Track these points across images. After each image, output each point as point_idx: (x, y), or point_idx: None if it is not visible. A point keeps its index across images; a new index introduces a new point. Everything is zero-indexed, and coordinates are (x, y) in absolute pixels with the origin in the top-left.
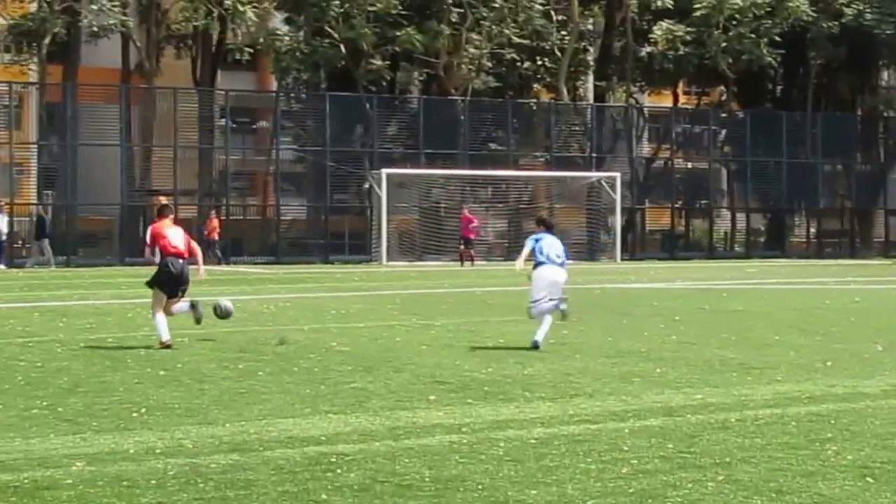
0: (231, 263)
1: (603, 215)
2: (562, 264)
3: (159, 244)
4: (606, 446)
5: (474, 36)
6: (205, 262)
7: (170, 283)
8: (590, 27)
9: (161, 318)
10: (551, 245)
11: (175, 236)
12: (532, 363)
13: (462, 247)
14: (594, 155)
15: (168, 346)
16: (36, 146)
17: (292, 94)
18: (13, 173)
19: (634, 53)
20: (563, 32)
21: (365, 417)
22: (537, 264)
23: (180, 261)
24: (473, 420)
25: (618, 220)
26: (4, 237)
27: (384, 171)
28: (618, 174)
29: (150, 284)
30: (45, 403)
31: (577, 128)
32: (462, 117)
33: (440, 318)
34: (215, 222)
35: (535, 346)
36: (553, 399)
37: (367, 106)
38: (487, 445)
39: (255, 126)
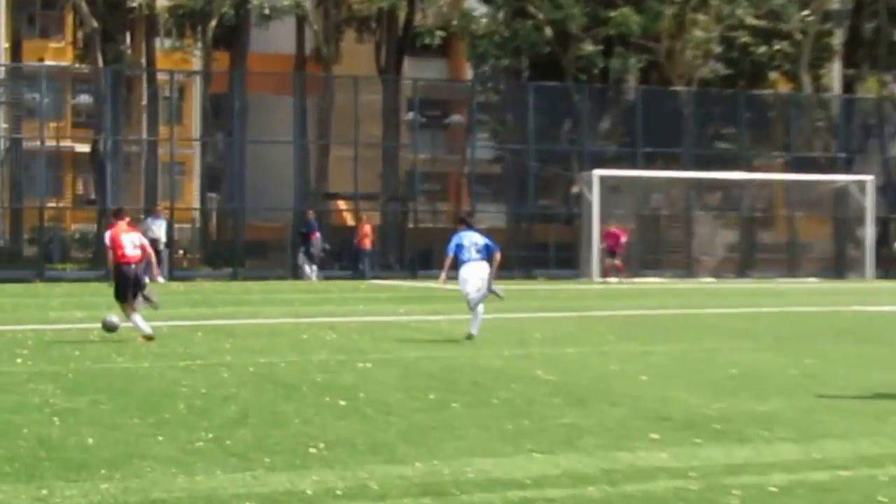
0: (418, 277)
1: (851, 226)
2: (483, 257)
3: (115, 252)
4: (859, 497)
5: (701, 17)
6: (352, 276)
7: (125, 289)
8: (836, 6)
9: (136, 317)
10: (470, 241)
11: (129, 243)
12: (770, 398)
13: (608, 259)
14: (841, 155)
15: (151, 339)
16: (199, 143)
17: (490, 84)
18: (174, 173)
19: (889, 37)
20: (805, 12)
21: (576, 458)
22: (460, 263)
23: (132, 267)
24: (703, 463)
25: (869, 232)
26: (163, 246)
27: (596, 173)
28: (869, 178)
29: (116, 297)
30: (210, 436)
31: (820, 123)
32: (686, 111)
33: (662, 343)
34: (367, 229)
35: (469, 338)
36: (796, 440)
37: (577, 98)
38: (719, 493)
39: (446, 121)
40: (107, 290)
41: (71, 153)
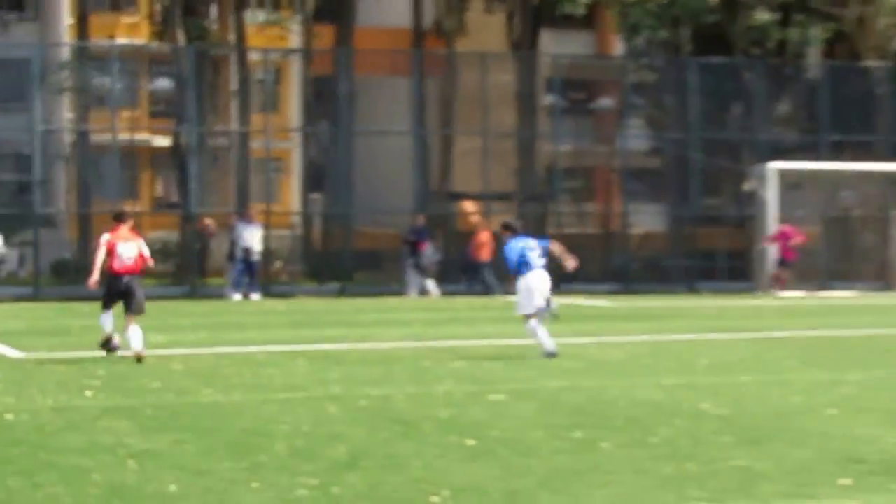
0: (560, 292)
1: None
2: (544, 265)
3: (109, 259)
4: None
5: None
6: (468, 290)
7: (116, 297)
8: None
9: (106, 317)
10: (530, 246)
11: (127, 252)
12: None
13: (778, 270)
14: None
15: (108, 343)
16: (299, 134)
17: (644, 61)
18: (269, 171)
19: None
20: None
21: None
22: (525, 271)
23: (125, 278)
24: None
25: None
26: (257, 257)
27: (772, 167)
28: None
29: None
30: (314, 482)
31: None
32: (880, 90)
33: (854, 370)
34: (485, 236)
35: (552, 356)
36: None
37: (748, 76)
38: None
39: (593, 105)
40: (192, 308)
41: (148, 148)
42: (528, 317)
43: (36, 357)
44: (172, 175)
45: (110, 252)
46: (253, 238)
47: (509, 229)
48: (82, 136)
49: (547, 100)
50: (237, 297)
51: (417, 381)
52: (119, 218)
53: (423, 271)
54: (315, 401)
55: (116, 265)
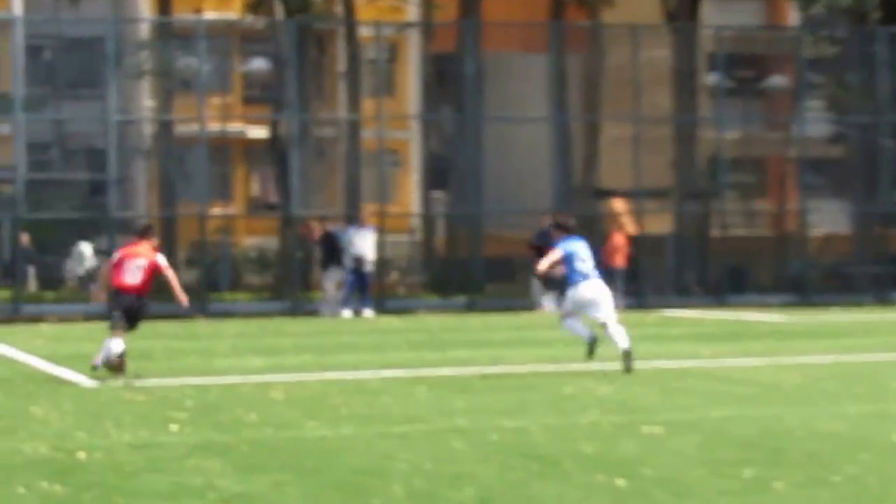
0: (727, 305)
1: None
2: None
3: (116, 274)
4: None
5: None
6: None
7: (115, 317)
8: None
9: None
10: (585, 252)
11: (131, 270)
12: None
13: None
14: None
15: (115, 368)
16: (418, 122)
17: (824, 32)
18: (384, 165)
19: None
20: None
21: None
22: (577, 279)
23: (128, 297)
24: None
25: None
26: (370, 266)
27: None
28: None
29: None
30: None
31: None
32: None
33: None
34: (619, 240)
35: (628, 363)
36: None
37: None
38: None
39: (763, 85)
40: (294, 327)
41: (241, 140)
42: (565, 315)
43: (112, 385)
44: (270, 171)
45: (115, 268)
46: (365, 244)
47: (562, 229)
48: (165, 126)
49: (709, 79)
50: (347, 313)
51: (558, 411)
52: (143, 233)
53: (546, 283)
54: (438, 434)
55: (116, 281)
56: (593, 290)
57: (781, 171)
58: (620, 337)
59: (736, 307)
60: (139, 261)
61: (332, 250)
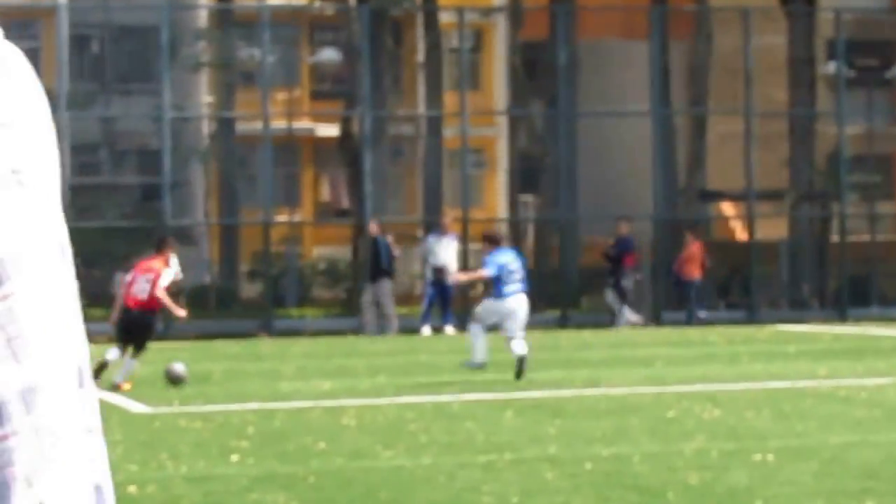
0: (847, 319)
1: None
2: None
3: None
4: None
5: None
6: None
7: (121, 331)
8: None
9: (114, 352)
10: (513, 267)
11: (140, 285)
12: None
13: None
14: None
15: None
16: (506, 118)
17: None
18: (467, 166)
19: None
20: None
21: None
22: (503, 293)
23: (131, 314)
24: None
25: None
26: (452, 279)
27: None
28: None
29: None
30: None
31: None
32: None
33: None
34: (695, 249)
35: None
36: None
37: None
38: None
39: (888, 75)
40: (368, 346)
41: (310, 138)
42: (477, 321)
43: (167, 412)
44: (342, 174)
45: (130, 283)
46: (447, 254)
47: (491, 241)
48: (225, 124)
49: (828, 68)
50: (426, 330)
51: (660, 437)
52: (159, 246)
53: (623, 295)
54: (527, 464)
55: (126, 296)
56: (517, 305)
57: None
58: (519, 346)
59: (858, 321)
60: (149, 275)
61: (377, 260)
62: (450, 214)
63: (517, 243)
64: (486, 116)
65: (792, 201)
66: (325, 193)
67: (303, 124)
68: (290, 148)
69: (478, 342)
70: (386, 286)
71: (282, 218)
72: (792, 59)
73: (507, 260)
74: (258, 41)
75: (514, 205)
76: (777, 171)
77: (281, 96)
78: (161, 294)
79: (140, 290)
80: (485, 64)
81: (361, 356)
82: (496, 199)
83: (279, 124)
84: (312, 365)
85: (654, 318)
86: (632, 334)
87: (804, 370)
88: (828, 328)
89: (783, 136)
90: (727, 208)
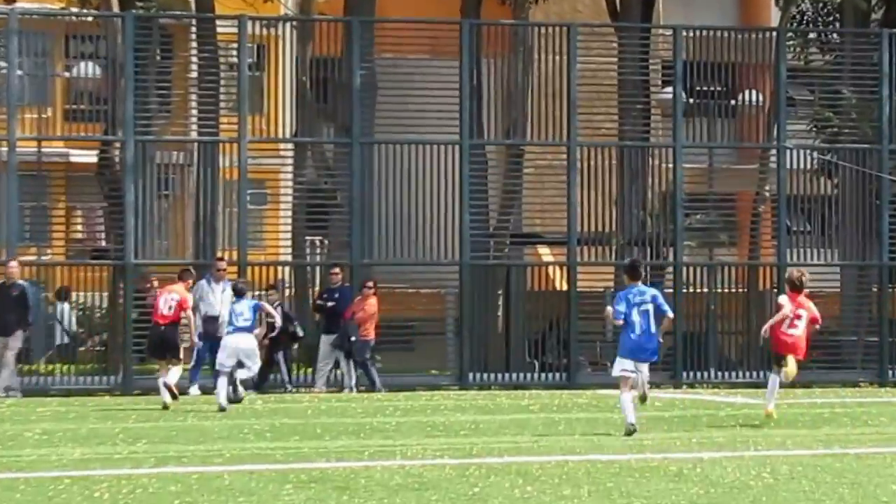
0: (681, 383)
1: None
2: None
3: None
4: None
5: None
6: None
7: (152, 347)
8: None
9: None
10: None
11: (165, 303)
12: None
13: None
14: None
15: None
16: (291, 146)
17: (812, 36)
18: (245, 201)
19: None
20: None
21: None
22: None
23: (161, 327)
24: None
25: None
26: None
27: None
28: None
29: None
30: None
31: None
32: None
33: None
34: (372, 304)
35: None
36: None
37: None
38: None
39: (732, 102)
40: (124, 408)
41: (63, 166)
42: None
43: None
44: (100, 207)
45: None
46: (220, 302)
47: (236, 292)
48: None
49: (665, 94)
50: (194, 390)
51: None
52: (182, 277)
53: (348, 353)
54: None
55: (154, 314)
56: (242, 343)
57: (753, 213)
58: (222, 393)
59: (693, 386)
60: (173, 297)
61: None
62: (225, 253)
63: (303, 290)
64: (270, 144)
65: (620, 246)
66: (80, 230)
67: (54, 149)
68: (38, 176)
69: (221, 383)
70: (14, 340)
71: (28, 258)
72: (623, 82)
73: (242, 308)
74: (2, 51)
75: (299, 246)
76: (603, 211)
77: (29, 116)
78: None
79: (163, 311)
80: (269, 83)
81: (118, 420)
82: (279, 239)
83: (26, 148)
84: (61, 429)
85: (459, 379)
86: (431, 397)
87: (630, 441)
88: (658, 393)
89: (611, 171)
90: (545, 253)
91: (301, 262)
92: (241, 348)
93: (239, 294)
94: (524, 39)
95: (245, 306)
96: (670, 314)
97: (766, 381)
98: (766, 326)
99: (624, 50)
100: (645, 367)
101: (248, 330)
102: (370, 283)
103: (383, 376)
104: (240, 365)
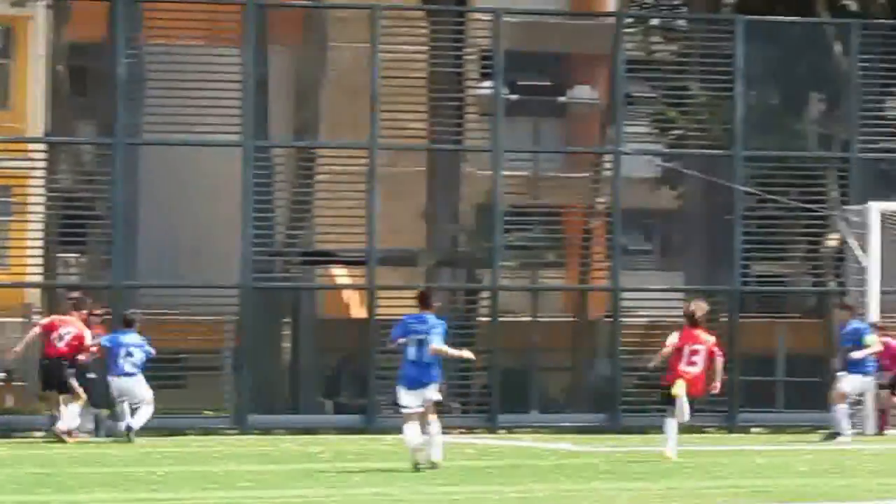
0: (498, 428)
1: None
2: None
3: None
4: None
5: None
6: None
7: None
8: None
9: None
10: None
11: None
12: None
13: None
14: None
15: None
16: (43, 145)
17: (655, 22)
18: None
19: None
20: None
21: None
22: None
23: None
24: None
25: None
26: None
27: (874, 207)
28: None
29: None
30: None
31: None
32: None
33: None
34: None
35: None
36: None
37: (836, 47)
38: None
39: (562, 99)
40: None
41: None
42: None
43: None
44: None
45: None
46: None
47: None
48: None
49: (481, 89)
50: None
51: None
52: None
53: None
54: None
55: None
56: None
57: (584, 228)
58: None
59: (512, 430)
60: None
61: None
62: None
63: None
64: (17, 143)
65: (428, 267)
66: None
67: None
68: None
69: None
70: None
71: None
72: (433, 75)
73: (128, 340)
74: None
75: (50, 265)
76: (410, 226)
77: None
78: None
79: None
80: (16, 72)
81: None
82: (26, 256)
83: None
84: None
85: (238, 422)
86: (206, 443)
87: (439, 494)
88: (472, 439)
89: (419, 179)
90: (341, 275)
91: (52, 284)
92: None
93: None
94: (319, 24)
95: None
96: (434, 345)
97: (601, 423)
98: (653, 361)
99: (436, 38)
100: (430, 393)
101: None
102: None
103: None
104: None
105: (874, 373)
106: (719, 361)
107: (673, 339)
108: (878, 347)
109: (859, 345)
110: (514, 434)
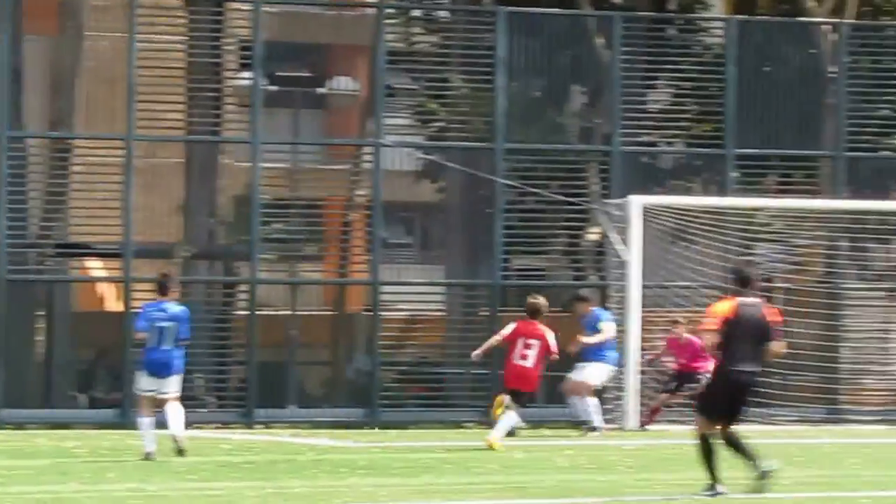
0: (255, 423)
1: None
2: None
3: None
4: None
5: None
6: None
7: None
8: None
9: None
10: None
11: None
12: None
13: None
14: None
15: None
16: None
17: (417, 12)
18: None
19: None
20: None
21: None
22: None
23: None
24: None
25: None
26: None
27: (635, 200)
28: None
29: None
30: None
31: None
32: (833, 67)
33: None
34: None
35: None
36: None
37: (597, 41)
38: None
39: (322, 90)
40: None
41: None
42: None
43: None
44: None
45: None
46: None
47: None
48: None
49: (240, 79)
50: None
51: None
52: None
53: None
54: None
55: None
56: None
57: (345, 222)
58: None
59: (269, 426)
60: None
61: None
62: None
63: None
64: None
65: (185, 260)
66: None
67: None
68: None
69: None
70: None
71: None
72: (192, 66)
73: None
74: None
75: None
76: (167, 218)
77: None
78: None
79: None
80: None
81: None
82: None
83: None
84: None
85: None
86: None
87: (194, 490)
88: (228, 434)
89: (177, 171)
90: (96, 267)
91: None
92: None
93: None
94: (75, 13)
95: None
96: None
97: (359, 418)
98: (477, 351)
99: (194, 28)
100: (171, 384)
101: None
102: None
103: None
104: None
105: (613, 361)
106: (550, 358)
107: (506, 330)
108: (611, 333)
109: (598, 331)
110: (271, 429)
